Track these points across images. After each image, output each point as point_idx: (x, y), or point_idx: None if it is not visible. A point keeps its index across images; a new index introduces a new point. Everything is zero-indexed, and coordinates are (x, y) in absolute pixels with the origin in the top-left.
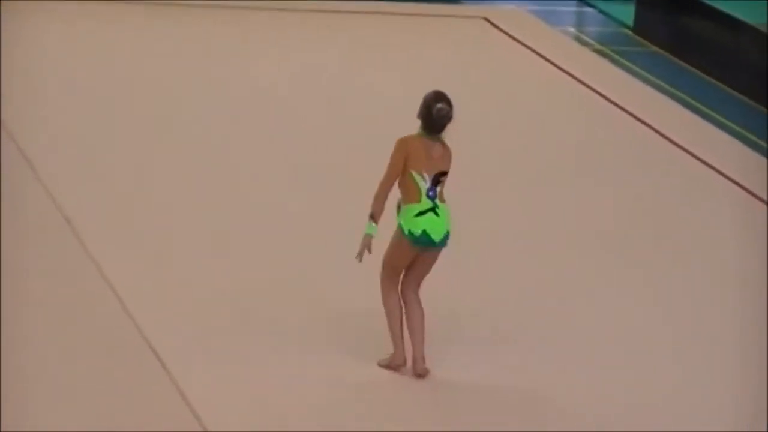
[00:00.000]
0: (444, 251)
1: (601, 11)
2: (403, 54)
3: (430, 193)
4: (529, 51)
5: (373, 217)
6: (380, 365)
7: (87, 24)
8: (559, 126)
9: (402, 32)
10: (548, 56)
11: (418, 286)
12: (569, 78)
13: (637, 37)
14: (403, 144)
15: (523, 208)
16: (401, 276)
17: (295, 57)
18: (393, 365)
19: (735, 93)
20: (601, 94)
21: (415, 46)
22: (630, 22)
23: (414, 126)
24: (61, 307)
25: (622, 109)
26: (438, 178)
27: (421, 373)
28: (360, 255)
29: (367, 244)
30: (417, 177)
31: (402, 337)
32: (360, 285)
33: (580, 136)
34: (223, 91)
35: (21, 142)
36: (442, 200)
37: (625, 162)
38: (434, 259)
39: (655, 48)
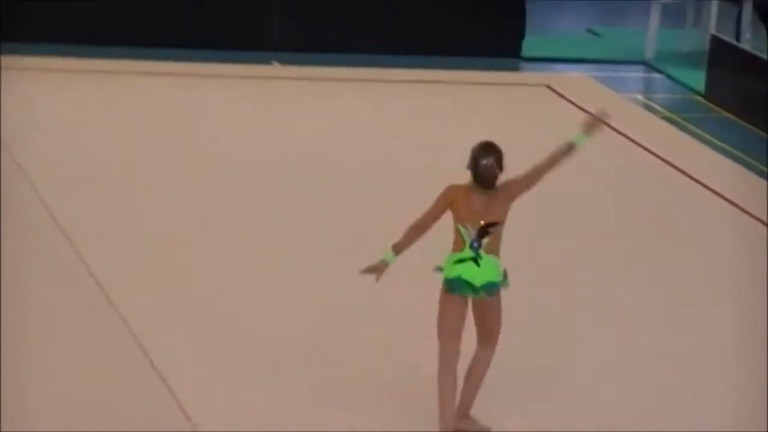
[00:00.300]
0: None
1: (669, 77)
2: (460, 124)
3: (474, 244)
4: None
5: (395, 248)
6: None
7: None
8: (625, 195)
9: (460, 101)
10: (614, 124)
11: (484, 341)
12: (636, 146)
13: (709, 104)
14: (448, 191)
15: (587, 285)
16: (457, 341)
17: (349, 128)
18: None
19: None
20: (670, 164)
21: (474, 115)
22: (701, 87)
23: None
24: (60, 312)
25: (692, 177)
26: (485, 230)
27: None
28: (367, 271)
29: (378, 268)
30: (461, 228)
31: (447, 407)
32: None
33: (647, 205)
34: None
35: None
36: (490, 252)
37: (695, 231)
38: (487, 311)
39: (727, 114)
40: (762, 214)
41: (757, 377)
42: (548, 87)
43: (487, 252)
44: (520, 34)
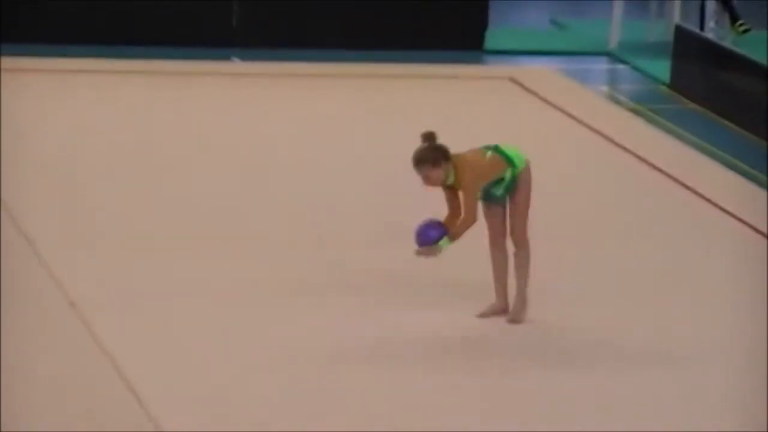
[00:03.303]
0: None
1: (634, 68)
2: (426, 116)
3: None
4: (558, 111)
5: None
6: (482, 315)
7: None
8: (590, 186)
9: (423, 95)
10: (578, 116)
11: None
12: (602, 138)
13: (674, 94)
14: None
15: (554, 267)
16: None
17: (312, 123)
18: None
19: None
20: (635, 154)
21: (439, 108)
22: (666, 78)
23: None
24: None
25: (657, 168)
26: None
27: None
28: (420, 254)
29: (432, 251)
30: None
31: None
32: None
33: (613, 197)
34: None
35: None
36: None
37: (661, 223)
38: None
39: (692, 104)
40: (728, 205)
41: (757, 388)
42: (512, 80)
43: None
44: (483, 27)
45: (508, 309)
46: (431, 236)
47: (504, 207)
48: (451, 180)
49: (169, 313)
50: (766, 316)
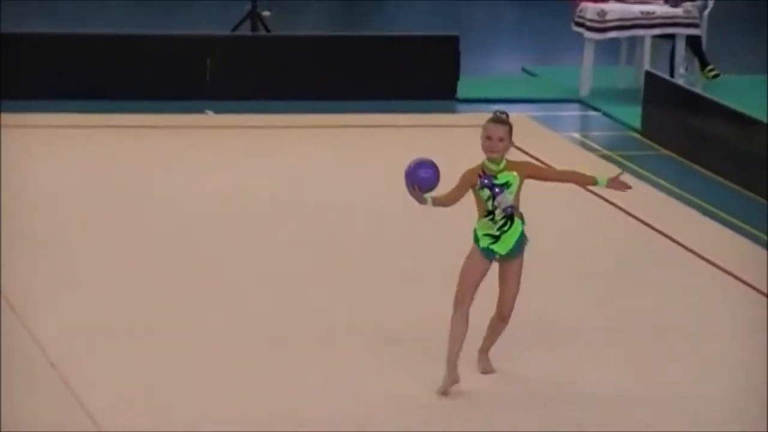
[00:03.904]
0: None
1: (605, 114)
2: (400, 165)
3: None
4: (531, 158)
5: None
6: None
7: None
8: (569, 235)
9: (396, 144)
10: (552, 162)
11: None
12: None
13: (645, 140)
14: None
15: (540, 320)
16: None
17: (290, 173)
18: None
19: (751, 194)
20: (610, 201)
21: (412, 157)
22: (637, 124)
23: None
24: None
25: (631, 215)
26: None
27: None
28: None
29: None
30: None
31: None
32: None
33: (591, 245)
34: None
35: None
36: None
37: (636, 269)
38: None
39: (664, 150)
40: (705, 252)
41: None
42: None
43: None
44: (455, 76)
45: (459, 380)
46: (419, 176)
47: (489, 264)
48: (503, 164)
49: (150, 365)
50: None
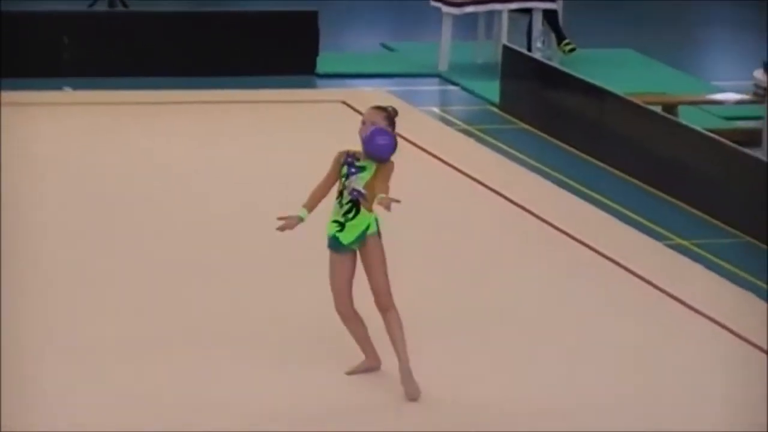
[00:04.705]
0: None
1: (464, 89)
2: (259, 140)
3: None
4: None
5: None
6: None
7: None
8: (425, 207)
9: (257, 120)
10: (408, 136)
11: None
12: (432, 158)
13: (504, 114)
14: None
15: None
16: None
17: (151, 150)
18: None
19: (606, 167)
20: (465, 173)
21: (272, 132)
22: (496, 98)
23: (273, 205)
24: None
25: (490, 188)
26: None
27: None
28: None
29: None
30: None
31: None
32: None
33: (447, 217)
34: None
35: None
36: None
37: (497, 241)
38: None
39: (522, 124)
40: (558, 222)
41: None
42: (344, 102)
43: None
44: (315, 51)
45: (380, 364)
46: (377, 143)
47: (352, 262)
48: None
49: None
50: None
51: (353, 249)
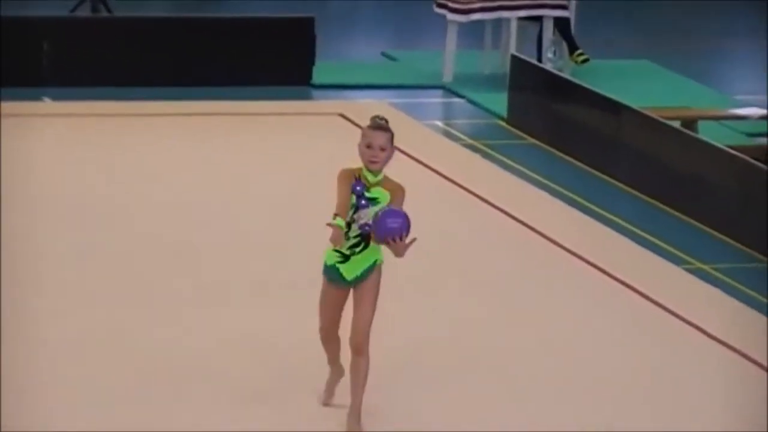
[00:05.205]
0: None
1: (470, 101)
2: (252, 154)
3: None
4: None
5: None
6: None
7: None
8: (428, 228)
9: (251, 132)
10: (410, 152)
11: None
12: (436, 175)
13: (511, 128)
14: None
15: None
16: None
17: (143, 162)
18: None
19: (620, 184)
20: (472, 192)
21: (265, 146)
22: (503, 111)
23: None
24: None
25: (497, 207)
26: None
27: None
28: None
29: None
30: None
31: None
32: None
33: (451, 238)
34: None
35: None
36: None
37: (504, 264)
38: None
39: (531, 139)
40: (569, 244)
41: None
42: (341, 115)
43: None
44: (310, 60)
45: (344, 372)
46: (387, 226)
47: (347, 293)
48: (380, 177)
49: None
50: None
51: (352, 285)
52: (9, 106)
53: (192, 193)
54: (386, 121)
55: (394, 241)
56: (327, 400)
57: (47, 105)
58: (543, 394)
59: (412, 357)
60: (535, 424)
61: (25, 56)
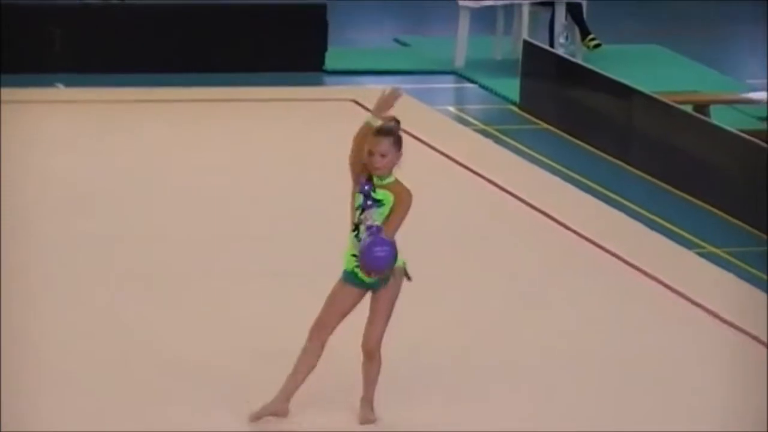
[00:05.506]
0: None
1: (482, 86)
2: (265, 141)
3: None
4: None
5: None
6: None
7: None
8: (440, 213)
9: (264, 118)
10: (422, 137)
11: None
12: (448, 160)
13: (524, 113)
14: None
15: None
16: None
17: (157, 148)
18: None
19: (632, 169)
20: (484, 177)
21: (278, 133)
22: (515, 97)
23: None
24: None
25: (509, 192)
26: None
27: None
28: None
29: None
30: None
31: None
32: None
33: (464, 224)
34: None
35: None
36: None
37: (518, 250)
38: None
39: (544, 125)
40: (581, 228)
41: None
42: (354, 101)
43: None
44: (323, 47)
45: (287, 413)
46: (374, 254)
47: (359, 295)
48: (389, 180)
49: None
50: None
51: (372, 287)
52: (22, 92)
53: (205, 178)
54: (396, 123)
55: (378, 271)
56: (256, 418)
57: (60, 91)
58: (556, 379)
59: (425, 339)
60: (546, 412)
61: (38, 43)
